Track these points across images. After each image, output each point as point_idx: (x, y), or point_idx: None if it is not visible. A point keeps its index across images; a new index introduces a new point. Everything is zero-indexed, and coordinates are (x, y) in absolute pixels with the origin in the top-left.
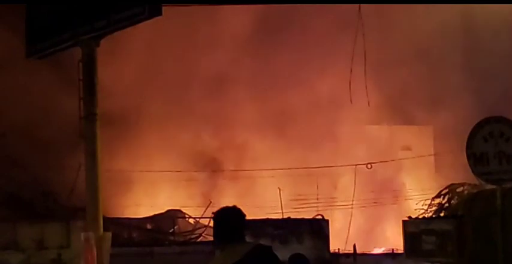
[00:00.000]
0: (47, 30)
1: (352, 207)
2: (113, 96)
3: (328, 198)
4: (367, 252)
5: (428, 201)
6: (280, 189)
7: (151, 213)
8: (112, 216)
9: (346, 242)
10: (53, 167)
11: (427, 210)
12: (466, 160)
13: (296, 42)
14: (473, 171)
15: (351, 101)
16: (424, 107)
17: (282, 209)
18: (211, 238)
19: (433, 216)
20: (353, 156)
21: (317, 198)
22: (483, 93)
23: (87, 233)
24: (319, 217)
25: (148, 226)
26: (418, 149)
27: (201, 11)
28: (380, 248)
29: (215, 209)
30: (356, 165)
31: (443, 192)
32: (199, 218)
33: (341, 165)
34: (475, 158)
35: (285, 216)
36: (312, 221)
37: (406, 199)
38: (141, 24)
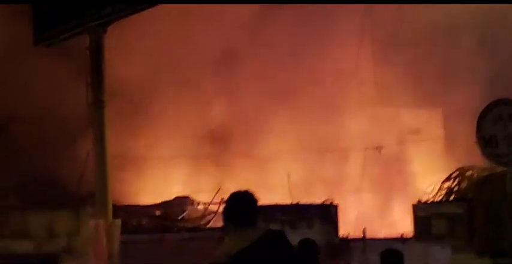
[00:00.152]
0: (55, 17)
1: (361, 192)
2: (123, 82)
3: (337, 182)
4: (377, 237)
5: (438, 185)
6: (289, 175)
7: (160, 200)
8: (121, 204)
9: (355, 227)
10: (61, 154)
11: (436, 194)
12: (475, 143)
13: (305, 21)
14: (483, 153)
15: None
16: (434, 89)
17: (290, 194)
18: (220, 224)
19: (443, 199)
20: (361, 139)
21: (326, 183)
22: (494, 75)
23: (96, 221)
24: (328, 202)
25: (158, 213)
26: (427, 132)
27: None
28: (389, 232)
29: (224, 195)
30: (365, 149)
31: (452, 176)
32: (209, 204)
33: (349, 149)
34: (485, 141)
35: (294, 202)
36: (321, 206)
37: (415, 183)
38: (148, 10)
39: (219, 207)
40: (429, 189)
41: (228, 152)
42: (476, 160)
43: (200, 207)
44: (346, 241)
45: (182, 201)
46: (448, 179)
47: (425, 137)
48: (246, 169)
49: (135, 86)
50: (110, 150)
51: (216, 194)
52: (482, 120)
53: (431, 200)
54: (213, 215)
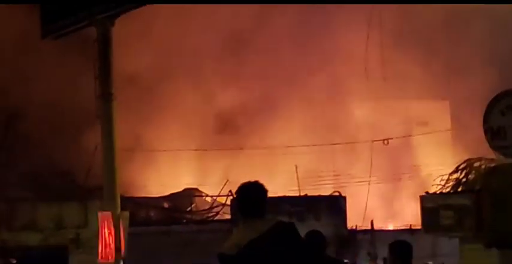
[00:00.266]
0: (62, 10)
1: (369, 184)
2: (131, 75)
3: (345, 174)
4: (385, 229)
5: (446, 177)
6: (296, 167)
7: (168, 192)
8: (129, 195)
9: (363, 218)
10: (70, 146)
11: (444, 185)
12: (483, 134)
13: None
14: (490, 145)
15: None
16: (442, 81)
17: (299, 185)
18: (228, 216)
19: (451, 191)
20: (369, 131)
21: (334, 175)
22: (502, 67)
23: (104, 213)
24: (336, 194)
25: (166, 205)
26: (435, 124)
27: None
28: (397, 223)
29: (232, 187)
30: (373, 141)
31: (460, 167)
32: (217, 196)
33: (356, 141)
34: (492, 132)
35: (302, 193)
36: (329, 198)
37: (423, 174)
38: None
39: (226, 199)
40: (437, 181)
41: (236, 144)
42: (484, 151)
43: (208, 199)
44: (354, 233)
45: (190, 193)
46: (456, 170)
47: (433, 129)
48: (254, 161)
49: (143, 78)
50: (118, 142)
51: (224, 186)
52: (490, 112)
53: (440, 191)
54: (220, 207)
